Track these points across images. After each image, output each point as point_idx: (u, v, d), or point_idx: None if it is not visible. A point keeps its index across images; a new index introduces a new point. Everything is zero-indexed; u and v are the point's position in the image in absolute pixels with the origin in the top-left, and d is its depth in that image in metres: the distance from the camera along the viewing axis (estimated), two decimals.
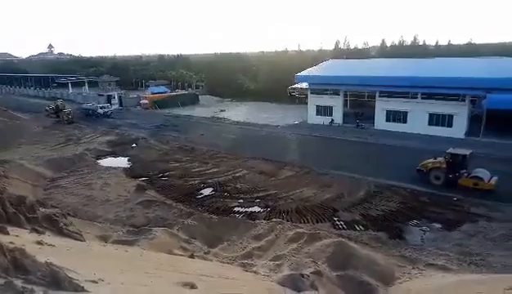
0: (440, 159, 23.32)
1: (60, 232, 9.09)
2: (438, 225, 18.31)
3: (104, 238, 13.73)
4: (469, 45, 65.60)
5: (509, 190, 20.82)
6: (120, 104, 62.11)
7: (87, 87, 78.84)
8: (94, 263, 6.34)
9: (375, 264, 12.83)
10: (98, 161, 31.89)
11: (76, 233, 9.58)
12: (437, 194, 21.76)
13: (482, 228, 17.63)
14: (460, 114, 34.69)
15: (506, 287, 6.70)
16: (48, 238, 7.96)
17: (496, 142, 31.44)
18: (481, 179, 21.81)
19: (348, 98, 44.49)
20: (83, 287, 3.91)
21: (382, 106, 39.23)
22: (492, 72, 34.86)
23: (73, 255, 6.89)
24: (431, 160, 23.80)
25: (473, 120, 35.49)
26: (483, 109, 32.86)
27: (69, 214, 15.47)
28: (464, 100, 34.62)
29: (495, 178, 21.96)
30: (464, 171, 22.56)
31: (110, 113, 53.36)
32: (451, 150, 23.25)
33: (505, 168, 24.45)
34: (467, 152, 22.83)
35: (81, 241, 9.29)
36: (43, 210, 9.94)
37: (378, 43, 75.27)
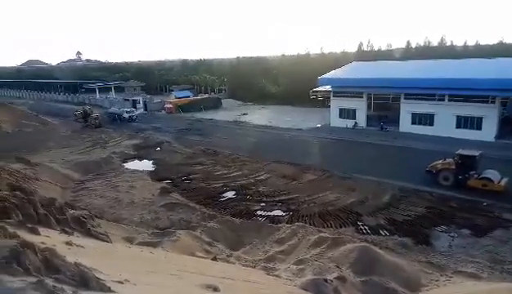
0: (449, 160, 23.24)
1: (88, 233, 9.34)
2: (467, 231, 17.69)
3: (129, 240, 14.01)
4: (500, 45, 63.24)
5: None
6: (145, 108, 63.31)
7: (113, 92, 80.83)
8: (120, 264, 6.48)
9: (400, 270, 12.54)
10: (124, 164, 32.60)
11: (103, 234, 9.83)
12: (466, 199, 21.05)
13: None
14: (490, 117, 33.50)
15: None
16: (77, 238, 8.19)
17: None
18: (490, 180, 21.58)
19: (372, 101, 43.79)
20: (109, 288, 4.00)
21: (407, 109, 38.39)
22: None
23: (100, 255, 7.07)
24: (441, 161, 23.71)
25: (504, 122, 34.20)
26: None
27: (96, 216, 15.87)
28: (493, 102, 33.44)
29: (505, 179, 21.68)
30: (474, 172, 22.28)
31: (135, 117, 54.46)
32: (460, 151, 23.03)
33: None
34: (476, 153, 22.71)
35: (107, 242, 9.51)
36: (72, 211, 10.24)
37: (402, 45, 73.66)
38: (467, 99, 34.39)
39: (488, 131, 33.28)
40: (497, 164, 26.13)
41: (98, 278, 4.08)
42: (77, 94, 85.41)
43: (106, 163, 31.81)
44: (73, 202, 20.73)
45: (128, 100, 66.63)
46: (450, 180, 23.04)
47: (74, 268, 4.07)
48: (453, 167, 22.94)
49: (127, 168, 31.31)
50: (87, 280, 3.95)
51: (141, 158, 34.68)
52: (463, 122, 34.69)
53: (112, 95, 79.21)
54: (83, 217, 9.79)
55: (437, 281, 12.51)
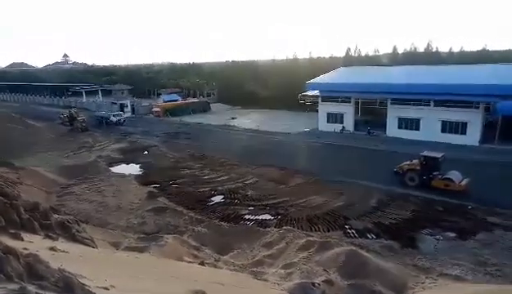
0: (415, 162, 24.30)
1: (73, 238, 9.19)
2: (452, 234, 17.99)
3: (115, 245, 13.84)
4: (483, 51, 64.69)
5: None
6: (133, 112, 62.84)
7: (100, 96, 80.00)
8: (105, 269, 6.39)
9: (387, 273, 12.66)
10: (110, 168, 32.23)
11: (88, 239, 9.69)
12: (451, 203, 21.38)
13: (498, 237, 17.28)
14: (474, 121, 34.18)
15: None
16: (61, 244, 8.06)
17: (511, 149, 30.85)
18: (452, 180, 22.69)
19: (360, 105, 44.28)
20: None
21: (394, 113, 38.92)
22: (506, 78, 34.29)
23: (85, 261, 6.96)
24: (407, 162, 24.80)
25: (488, 127, 34.91)
26: (498, 115, 32.36)
27: (81, 220, 15.63)
28: (477, 107, 34.13)
29: (466, 180, 22.71)
30: (437, 172, 23.34)
31: (122, 120, 54.02)
32: (424, 153, 24.14)
33: (510, 173, 24.08)
34: (439, 155, 23.79)
35: (93, 247, 9.38)
36: (57, 216, 10.08)
37: (389, 50, 74.70)
38: (452, 104, 35.02)
39: (472, 136, 33.94)
40: (480, 168, 26.76)
41: (83, 284, 4.03)
42: (63, 97, 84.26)
43: (92, 167, 31.41)
44: (58, 206, 20.36)
45: (115, 103, 66.03)
46: (415, 181, 24.11)
47: (58, 274, 4.01)
48: (418, 167, 24.03)
49: (113, 172, 30.96)
50: (71, 286, 3.89)
51: (128, 162, 34.35)
52: (448, 127, 35.32)
53: (99, 98, 78.39)
54: (68, 222, 9.64)
55: (422, 283, 12.66)
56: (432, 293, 11.53)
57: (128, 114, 60.84)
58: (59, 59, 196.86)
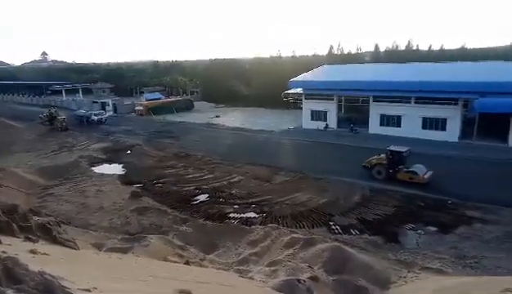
0: (382, 156, 25.36)
1: (54, 240, 8.98)
2: (434, 228, 18.38)
3: (98, 246, 13.60)
4: (462, 49, 66.18)
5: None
6: (115, 110, 61.98)
7: (81, 94, 78.54)
8: (88, 271, 6.28)
9: (371, 268, 12.84)
10: (92, 168, 31.67)
11: (70, 241, 9.48)
12: (433, 198, 21.86)
13: (476, 230, 17.75)
14: (453, 118, 34.97)
15: (501, 290, 6.72)
16: (42, 246, 7.87)
17: (488, 145, 31.74)
18: (416, 173, 23.75)
19: (343, 103, 44.73)
20: None
21: (376, 111, 39.47)
22: (484, 76, 35.21)
23: (66, 263, 6.82)
24: (375, 157, 25.85)
25: (467, 124, 35.80)
26: (476, 112, 33.20)
27: (62, 222, 15.33)
28: (456, 104, 34.93)
29: (430, 173, 23.85)
30: (402, 166, 24.26)
31: (104, 120, 53.26)
32: (391, 147, 25.08)
33: (496, 171, 24.79)
34: (404, 149, 24.84)
35: (75, 249, 9.20)
36: (37, 218, 9.83)
37: (371, 48, 75.65)
38: (432, 101, 35.74)
39: (452, 132, 34.72)
40: (459, 163, 27.53)
41: (64, 287, 3.94)
42: (42, 96, 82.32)
43: (74, 167, 30.83)
44: (38, 208, 19.91)
45: (96, 102, 65.00)
46: (382, 174, 25.15)
47: (38, 277, 3.91)
48: (385, 162, 25.06)
49: (95, 172, 30.44)
50: (52, 289, 3.80)
51: (110, 162, 33.84)
52: (428, 124, 36.04)
53: (80, 97, 76.94)
54: (49, 224, 9.40)
55: (405, 277, 12.88)
56: (413, 286, 11.76)
57: (110, 113, 60.00)
58: (37, 57, 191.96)
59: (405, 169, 24.31)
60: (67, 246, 8.98)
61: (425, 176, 23.65)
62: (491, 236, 17.05)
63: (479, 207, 20.04)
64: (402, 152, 24.60)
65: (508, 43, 68.56)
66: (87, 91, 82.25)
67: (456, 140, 34.34)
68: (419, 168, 24.10)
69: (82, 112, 55.54)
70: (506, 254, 15.36)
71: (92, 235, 17.03)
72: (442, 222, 18.89)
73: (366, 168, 26.03)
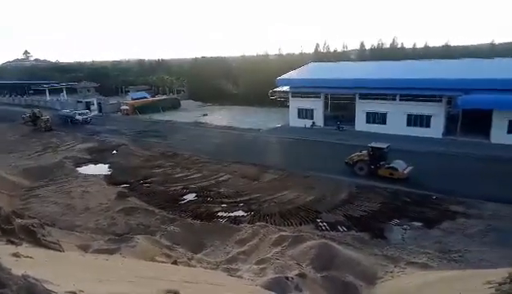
0: (364, 152, 25.79)
1: (38, 243, 8.82)
2: (419, 224, 18.68)
3: (84, 248, 13.42)
4: (446, 47, 67.24)
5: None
6: (100, 110, 61.21)
7: (65, 94, 77.18)
8: (73, 273, 6.20)
9: (358, 264, 12.98)
10: (78, 169, 31.20)
11: (54, 243, 9.33)
12: (418, 193, 22.21)
13: (460, 225, 18.11)
14: (437, 115, 35.56)
15: (484, 282, 6.87)
16: (25, 249, 7.73)
17: (471, 141, 32.39)
18: (396, 169, 24.32)
19: (329, 101, 45.02)
20: None
21: (362, 108, 39.87)
22: (467, 73, 35.90)
23: (51, 266, 6.72)
24: (357, 153, 26.25)
25: (451, 120, 36.45)
26: (459, 109, 33.82)
27: (47, 224, 15.07)
28: (440, 101, 35.51)
29: (409, 168, 24.46)
30: (384, 162, 24.85)
31: (89, 119, 52.60)
32: (372, 144, 25.61)
33: (478, 166, 25.32)
34: (385, 145, 25.38)
35: (60, 251, 9.06)
36: (20, 220, 9.64)
37: (357, 46, 76.24)
38: (416, 98, 36.26)
39: (436, 129, 35.32)
40: (443, 159, 28.04)
41: (49, 290, 3.88)
42: (25, 96, 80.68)
43: (58, 168, 30.32)
44: (21, 210, 19.52)
45: (81, 101, 64.08)
46: (364, 170, 25.59)
47: (22, 280, 3.84)
48: (366, 158, 25.50)
49: (81, 173, 30.00)
50: (35, 293, 3.74)
51: (96, 162, 33.41)
52: (413, 121, 36.57)
53: (64, 96, 75.64)
54: (33, 226, 9.23)
55: (391, 272, 13.08)
56: (399, 281, 11.94)
57: (95, 113, 59.29)
58: (19, 56, 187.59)
59: (386, 165, 24.78)
60: (51, 248, 8.84)
61: (405, 172, 24.21)
62: (474, 230, 17.43)
63: (463, 202, 20.46)
64: (383, 148, 25.11)
65: (490, 41, 69.87)
66: (71, 91, 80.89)
67: (440, 136, 34.95)
68: (399, 164, 24.64)
69: (66, 112, 54.69)
70: (489, 247, 15.73)
71: (77, 237, 16.80)
72: (427, 217, 19.22)
73: (348, 165, 26.40)
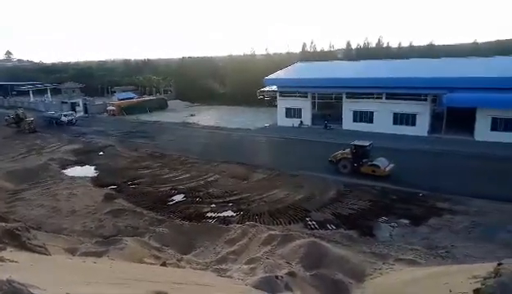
0: (347, 150, 26.25)
1: (23, 247, 8.67)
2: (406, 221, 18.91)
3: (71, 251, 13.22)
4: (430, 46, 68.30)
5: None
6: (85, 111, 60.47)
7: (49, 95, 75.89)
8: (60, 277, 6.10)
9: (347, 262, 13.08)
10: (63, 171, 30.72)
11: (40, 247, 9.17)
12: (405, 191, 22.49)
13: (446, 221, 18.40)
14: (423, 113, 36.09)
15: (469, 277, 7.00)
16: (10, 253, 7.58)
17: (455, 138, 32.96)
18: (377, 166, 24.75)
19: (316, 100, 45.30)
20: None
21: (349, 107, 40.21)
22: (452, 72, 36.55)
23: (37, 270, 6.60)
24: (340, 151, 26.70)
25: (436, 118, 37.03)
26: (444, 107, 34.39)
27: (32, 227, 14.81)
28: (425, 100, 36.05)
29: (391, 166, 24.91)
30: (366, 159, 25.31)
31: (74, 120, 51.91)
32: (355, 142, 26.09)
33: (463, 163, 25.79)
34: (367, 143, 25.91)
35: (46, 255, 8.91)
36: (4, 224, 9.45)
37: (344, 46, 76.88)
38: (402, 97, 36.74)
39: (422, 127, 35.85)
40: (429, 156, 28.48)
41: None
42: (7, 97, 79.02)
43: (43, 171, 29.78)
44: (6, 214, 19.16)
45: (66, 102, 63.07)
46: (347, 168, 25.98)
47: (6, 285, 3.76)
48: (349, 156, 25.94)
49: (67, 175, 29.53)
50: None
51: (82, 164, 32.93)
52: (399, 119, 37.06)
53: (48, 97, 74.36)
54: (17, 230, 9.06)
55: (380, 269, 13.20)
56: (387, 278, 12.07)
57: (81, 114, 58.51)
58: (0, 56, 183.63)
59: (369, 163, 25.20)
60: (37, 252, 8.70)
61: (387, 169, 24.64)
62: (460, 226, 17.74)
63: (449, 199, 20.81)
64: (365, 146, 25.55)
65: (473, 40, 71.28)
66: (55, 92, 79.59)
67: (426, 134, 35.48)
68: (382, 161, 25.09)
69: (51, 113, 53.83)
70: (474, 243, 16.03)
71: (64, 240, 16.52)
72: (414, 214, 19.48)
73: (331, 163, 26.78)
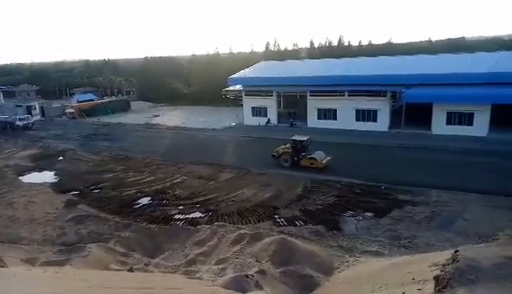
0: (288, 145, 27.46)
1: None
2: (370, 214, 19.52)
3: (30, 261, 12.61)
4: (389, 44, 70.67)
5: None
6: (43, 114, 57.82)
7: (2, 98, 71.76)
8: (19, 289, 5.79)
9: (315, 256, 13.35)
10: (20, 177, 29.21)
11: None
12: (368, 185, 23.19)
13: (408, 212, 19.17)
14: (383, 109, 37.34)
15: (430, 264, 7.34)
16: None
17: (414, 133, 34.36)
18: (315, 159, 26.13)
19: (282, 98, 45.69)
20: None
21: (313, 105, 40.88)
22: (409, 69, 38.07)
23: None
24: (282, 146, 27.86)
25: (395, 114, 38.40)
26: (403, 103, 35.76)
27: None
28: (385, 96, 37.31)
29: (328, 158, 26.45)
30: (305, 153, 26.78)
31: (30, 124, 49.48)
32: (294, 137, 27.40)
33: (421, 156, 27.03)
34: (305, 138, 27.32)
35: (2, 267, 8.43)
36: None
37: (307, 44, 77.95)
38: (363, 94, 37.82)
39: (382, 123, 37.09)
40: (389, 151, 29.58)
41: None
42: None
43: None
44: None
45: (20, 105, 59.85)
46: (288, 162, 27.18)
47: None
48: (290, 150, 27.13)
49: (24, 182, 28.09)
50: None
51: (40, 170, 31.47)
52: (361, 115, 38.12)
53: (1, 101, 70.28)
54: None
55: (347, 262, 13.58)
56: (354, 269, 12.43)
57: (38, 117, 55.83)
58: None
59: (307, 156, 26.37)
60: None
61: (323, 161, 25.99)
62: (420, 216, 18.55)
63: (409, 191, 21.69)
64: (303, 140, 26.82)
65: (427, 38, 74.63)
66: (9, 95, 75.35)
67: (386, 129, 36.73)
68: (319, 154, 26.46)
69: (4, 117, 50.96)
70: (434, 232, 16.83)
71: (23, 250, 15.73)
72: (378, 207, 20.14)
73: (274, 157, 27.80)
